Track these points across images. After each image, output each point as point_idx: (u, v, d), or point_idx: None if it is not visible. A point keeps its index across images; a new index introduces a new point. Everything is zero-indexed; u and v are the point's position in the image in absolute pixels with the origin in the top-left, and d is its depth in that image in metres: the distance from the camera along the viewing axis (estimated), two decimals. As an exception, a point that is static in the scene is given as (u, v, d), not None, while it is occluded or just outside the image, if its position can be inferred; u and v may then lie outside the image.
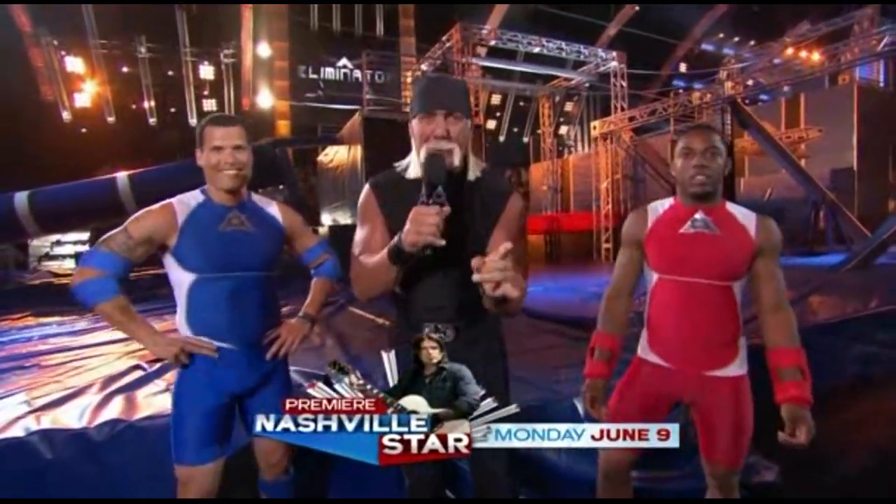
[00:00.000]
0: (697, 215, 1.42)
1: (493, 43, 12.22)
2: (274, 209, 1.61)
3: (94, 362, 3.11)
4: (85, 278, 1.38)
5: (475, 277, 0.93)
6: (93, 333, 4.47)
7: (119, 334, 4.38)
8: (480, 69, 12.83)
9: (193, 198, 1.49)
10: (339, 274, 1.76)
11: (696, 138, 1.40)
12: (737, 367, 1.42)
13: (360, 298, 1.30)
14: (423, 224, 1.01)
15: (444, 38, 12.08)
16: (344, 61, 17.01)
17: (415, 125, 1.26)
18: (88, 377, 2.80)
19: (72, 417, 2.15)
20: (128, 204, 8.16)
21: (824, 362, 3.42)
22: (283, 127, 16.64)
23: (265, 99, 16.73)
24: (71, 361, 3.17)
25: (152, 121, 15.98)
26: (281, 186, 9.41)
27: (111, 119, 15.67)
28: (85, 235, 13.20)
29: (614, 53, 12.57)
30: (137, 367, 2.91)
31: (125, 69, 15.68)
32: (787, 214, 10.49)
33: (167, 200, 1.47)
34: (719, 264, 1.38)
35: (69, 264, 13.06)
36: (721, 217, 1.42)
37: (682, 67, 20.33)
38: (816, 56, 9.80)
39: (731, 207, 1.44)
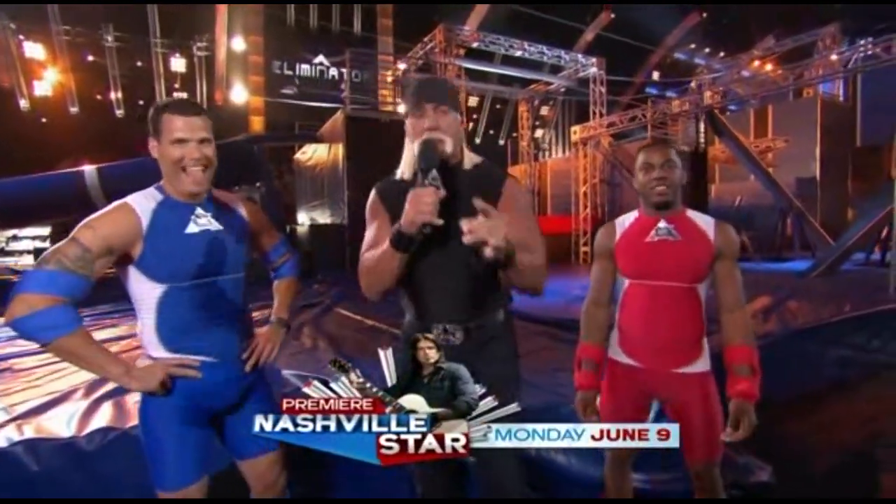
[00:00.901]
0: (661, 224, 1.54)
1: (475, 45, 12.26)
2: (237, 204, 1.46)
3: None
4: (35, 309, 1.10)
5: (465, 239, 0.99)
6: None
7: (103, 333, 4.18)
8: (461, 70, 12.83)
9: (151, 197, 1.29)
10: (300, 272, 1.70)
11: (655, 154, 1.52)
12: (702, 365, 1.53)
13: (366, 293, 1.29)
14: (421, 203, 1.08)
15: (426, 38, 12.06)
16: (321, 58, 16.75)
17: (408, 125, 1.32)
18: (70, 381, 2.63)
19: (58, 426, 2.03)
20: (97, 199, 7.83)
21: (802, 366, 3.56)
22: (258, 123, 16.28)
23: (239, 94, 16.32)
24: (48, 364, 2.96)
25: (119, 112, 15.35)
26: (258, 184, 9.19)
27: (74, 109, 14.96)
28: (45, 231, 12.59)
29: (594, 59, 12.80)
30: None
31: (90, 58, 14.98)
32: (756, 221, 10.88)
33: (120, 201, 1.26)
34: (683, 267, 1.50)
35: (27, 260, 12.42)
36: (682, 224, 1.53)
37: (655, 75, 20.86)
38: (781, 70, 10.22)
39: (692, 214, 1.56)
